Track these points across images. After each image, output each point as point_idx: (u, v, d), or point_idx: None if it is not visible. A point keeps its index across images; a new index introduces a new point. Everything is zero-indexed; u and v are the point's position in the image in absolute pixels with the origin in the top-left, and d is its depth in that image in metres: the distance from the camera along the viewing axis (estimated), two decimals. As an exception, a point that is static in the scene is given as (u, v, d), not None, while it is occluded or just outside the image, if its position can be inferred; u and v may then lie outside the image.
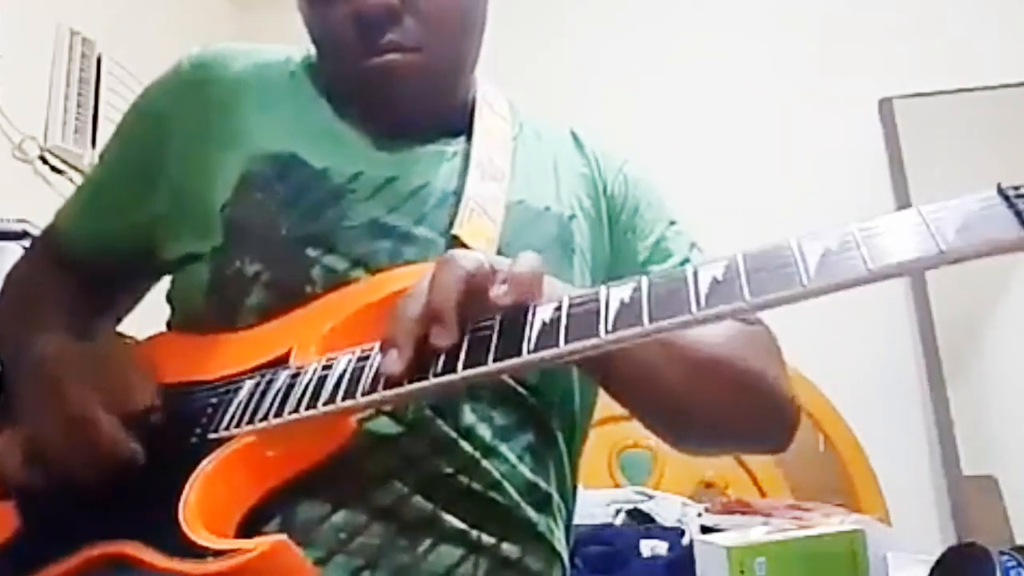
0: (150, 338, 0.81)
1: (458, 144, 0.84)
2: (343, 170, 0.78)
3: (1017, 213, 0.47)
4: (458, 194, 0.78)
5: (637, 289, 0.56)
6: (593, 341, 0.55)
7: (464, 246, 0.74)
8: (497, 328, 0.58)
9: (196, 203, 0.79)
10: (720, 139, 2.46)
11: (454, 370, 0.57)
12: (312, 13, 0.81)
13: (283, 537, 0.57)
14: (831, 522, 1.31)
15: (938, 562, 1.12)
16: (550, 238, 0.81)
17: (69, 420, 0.64)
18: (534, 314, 0.58)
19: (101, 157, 0.93)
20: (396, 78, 0.78)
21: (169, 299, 0.84)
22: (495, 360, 0.56)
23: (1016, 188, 0.48)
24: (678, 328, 0.54)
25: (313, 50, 0.86)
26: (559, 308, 0.58)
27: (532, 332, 0.57)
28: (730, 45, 2.59)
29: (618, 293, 0.56)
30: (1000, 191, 0.49)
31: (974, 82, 2.37)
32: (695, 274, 0.54)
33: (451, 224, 0.76)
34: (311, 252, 0.74)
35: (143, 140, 0.86)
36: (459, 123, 0.85)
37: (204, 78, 0.84)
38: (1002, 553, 1.07)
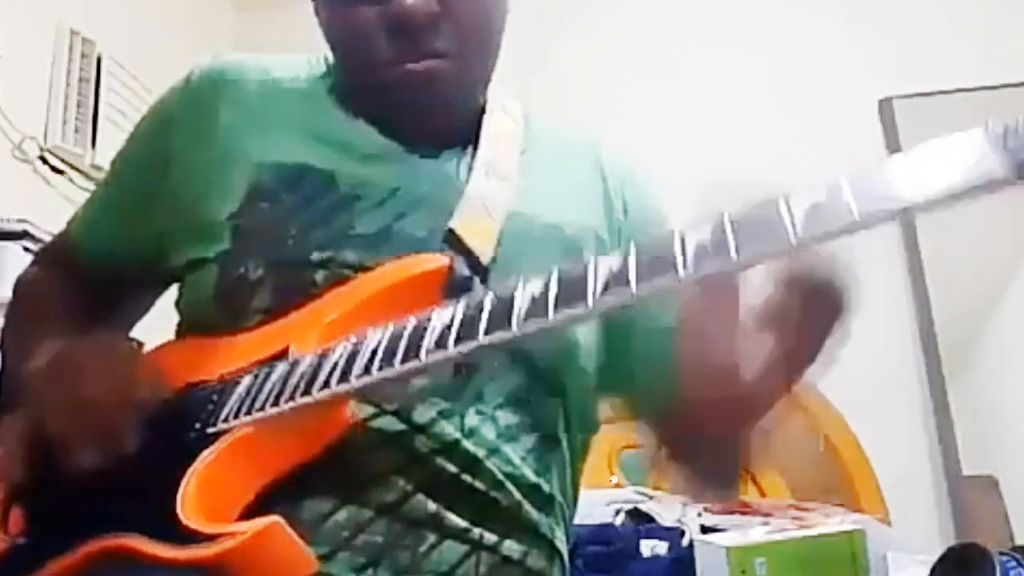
0: (157, 347, 0.81)
1: (467, 150, 0.84)
2: (351, 178, 0.78)
3: (1001, 152, 0.47)
4: (463, 196, 0.78)
5: (626, 257, 0.56)
6: (580, 309, 0.55)
7: (459, 241, 0.75)
8: (488, 304, 0.59)
9: (200, 213, 0.79)
10: (721, 139, 2.46)
11: (445, 347, 0.58)
12: (335, 15, 0.80)
13: (276, 519, 0.57)
14: (831, 522, 1.31)
15: (938, 562, 1.12)
16: (554, 256, 0.79)
17: (78, 407, 0.65)
18: (524, 288, 0.58)
19: (113, 163, 0.93)
20: (436, 83, 0.78)
21: (178, 307, 0.84)
22: (485, 334, 0.57)
23: (1003, 128, 0.48)
24: (666, 290, 0.54)
25: (326, 56, 0.86)
26: (548, 281, 0.58)
27: (522, 305, 0.57)
28: (730, 46, 2.59)
29: (607, 262, 0.56)
30: (986, 131, 0.48)
31: (974, 82, 2.37)
32: (682, 237, 0.54)
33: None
34: (316, 258, 0.74)
35: (152, 149, 0.86)
36: (469, 129, 0.85)
37: (214, 89, 0.84)
38: (1002, 553, 1.07)
